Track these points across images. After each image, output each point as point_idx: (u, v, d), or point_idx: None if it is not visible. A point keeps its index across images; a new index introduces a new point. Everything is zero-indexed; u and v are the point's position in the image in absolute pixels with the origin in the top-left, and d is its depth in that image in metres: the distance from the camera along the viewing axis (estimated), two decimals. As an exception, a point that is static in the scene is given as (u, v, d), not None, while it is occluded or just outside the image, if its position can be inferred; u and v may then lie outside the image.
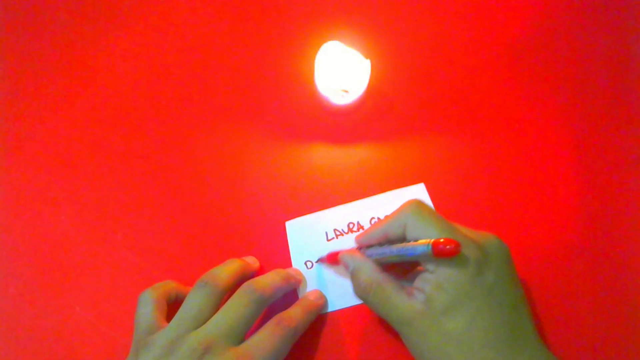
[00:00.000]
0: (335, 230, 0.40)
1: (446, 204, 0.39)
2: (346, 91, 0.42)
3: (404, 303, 0.29)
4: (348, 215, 0.40)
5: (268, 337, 0.31)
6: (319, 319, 0.36)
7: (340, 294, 0.37)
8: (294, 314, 0.33)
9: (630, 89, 0.43)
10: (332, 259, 0.36)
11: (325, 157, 0.43)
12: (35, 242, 0.43)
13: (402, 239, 0.31)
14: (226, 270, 0.35)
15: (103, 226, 0.42)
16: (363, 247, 0.34)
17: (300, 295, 0.37)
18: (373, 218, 0.40)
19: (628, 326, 0.34)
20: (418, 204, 0.31)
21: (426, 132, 0.43)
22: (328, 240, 0.39)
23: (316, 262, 0.38)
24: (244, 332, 0.31)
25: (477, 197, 0.40)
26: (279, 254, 0.39)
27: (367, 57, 0.41)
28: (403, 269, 0.33)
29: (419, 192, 0.40)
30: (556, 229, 0.38)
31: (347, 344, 0.35)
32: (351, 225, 0.40)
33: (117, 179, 0.45)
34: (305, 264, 0.39)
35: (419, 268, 0.31)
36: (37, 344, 0.38)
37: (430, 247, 0.27)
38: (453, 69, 0.46)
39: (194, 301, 0.32)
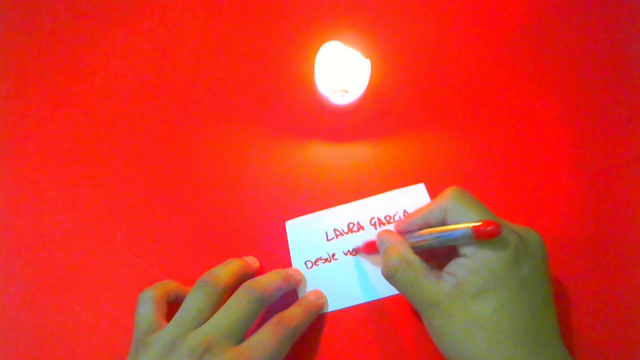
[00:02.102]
0: (335, 230, 0.40)
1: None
2: (346, 91, 0.42)
3: (432, 284, 0.29)
4: (348, 215, 0.40)
5: (268, 336, 0.31)
6: (319, 319, 0.36)
7: (340, 294, 0.37)
8: (294, 314, 0.33)
9: (630, 89, 0.43)
10: (370, 247, 0.36)
11: (326, 157, 0.43)
12: (35, 242, 0.42)
13: (442, 224, 0.31)
14: (226, 270, 0.35)
15: (103, 226, 0.42)
16: (402, 233, 0.34)
17: (300, 295, 0.37)
18: (373, 218, 0.40)
19: (626, 325, 0.34)
20: (460, 190, 0.31)
21: (426, 132, 0.43)
22: (328, 240, 0.39)
23: (352, 250, 0.38)
24: (244, 332, 0.31)
25: (476, 197, 0.39)
26: (279, 254, 0.39)
27: (367, 57, 0.41)
28: (437, 262, 0.33)
29: (419, 192, 0.40)
30: (556, 228, 0.38)
31: (347, 344, 0.35)
32: (351, 225, 0.40)
33: (117, 178, 0.45)
34: (305, 264, 0.39)
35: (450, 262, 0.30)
36: (37, 344, 0.38)
37: (470, 229, 0.27)
38: (453, 68, 0.46)
39: (194, 301, 0.32)
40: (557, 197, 0.39)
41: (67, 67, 0.51)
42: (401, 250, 0.31)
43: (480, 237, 0.27)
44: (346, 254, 0.39)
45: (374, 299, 0.36)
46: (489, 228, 0.27)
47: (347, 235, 0.39)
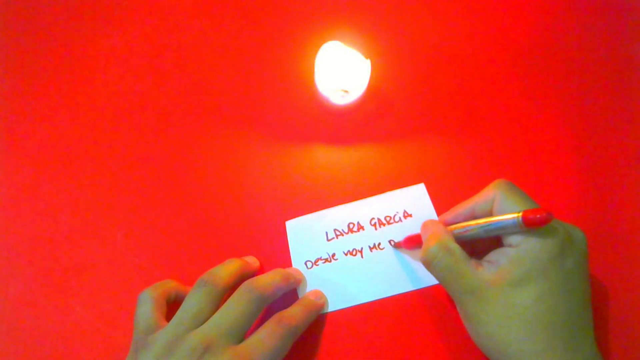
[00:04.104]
0: (335, 230, 0.40)
1: (446, 204, 0.39)
2: (346, 91, 0.42)
3: (471, 271, 0.29)
4: (348, 215, 0.40)
5: (268, 336, 0.31)
6: (319, 319, 0.36)
7: (340, 294, 0.37)
8: (295, 313, 0.33)
9: (630, 89, 0.43)
10: (410, 242, 0.36)
11: (325, 157, 0.43)
12: (35, 242, 0.42)
13: (489, 216, 0.31)
14: (226, 269, 0.35)
15: (103, 226, 0.42)
16: (448, 225, 0.34)
17: (300, 295, 0.37)
18: (373, 218, 0.40)
19: (623, 325, 0.34)
20: (507, 182, 0.31)
21: (426, 132, 0.43)
22: (328, 240, 0.39)
23: (393, 246, 0.38)
24: (244, 331, 0.31)
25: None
26: (279, 254, 0.39)
27: (367, 57, 0.41)
28: (479, 257, 0.32)
29: (419, 192, 0.40)
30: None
31: (347, 344, 0.35)
32: (351, 226, 0.40)
33: (117, 178, 0.45)
34: (305, 263, 0.39)
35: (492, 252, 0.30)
36: (37, 344, 0.38)
37: (519, 218, 0.27)
38: (453, 69, 0.46)
39: (194, 300, 0.32)
40: (557, 197, 0.39)
41: (66, 67, 0.51)
42: (442, 238, 0.31)
43: (530, 224, 0.27)
44: (346, 254, 0.39)
45: (374, 299, 0.36)
46: (538, 216, 0.27)
47: (347, 235, 0.39)
